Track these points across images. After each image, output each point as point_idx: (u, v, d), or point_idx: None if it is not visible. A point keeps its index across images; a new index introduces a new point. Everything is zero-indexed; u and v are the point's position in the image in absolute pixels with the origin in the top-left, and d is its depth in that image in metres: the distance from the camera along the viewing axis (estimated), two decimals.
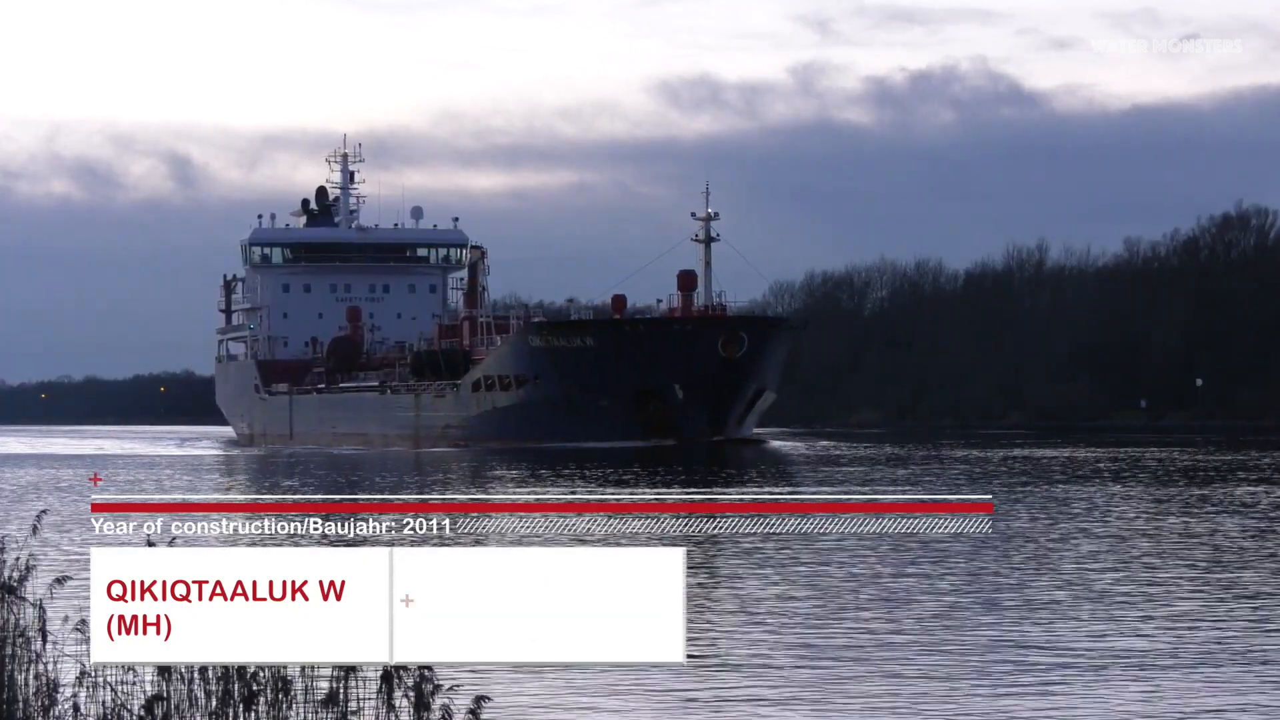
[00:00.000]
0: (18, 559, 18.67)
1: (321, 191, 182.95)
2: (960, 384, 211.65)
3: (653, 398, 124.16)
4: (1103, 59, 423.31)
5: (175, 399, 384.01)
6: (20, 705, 16.93)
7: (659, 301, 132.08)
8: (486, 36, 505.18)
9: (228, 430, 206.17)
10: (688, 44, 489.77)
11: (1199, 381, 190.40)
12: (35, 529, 19.95)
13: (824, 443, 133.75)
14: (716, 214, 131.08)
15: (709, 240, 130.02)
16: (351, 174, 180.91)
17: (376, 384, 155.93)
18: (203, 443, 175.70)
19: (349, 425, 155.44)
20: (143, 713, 15.29)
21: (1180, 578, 34.64)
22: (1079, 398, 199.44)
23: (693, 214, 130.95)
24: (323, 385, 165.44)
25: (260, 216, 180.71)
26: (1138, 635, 26.95)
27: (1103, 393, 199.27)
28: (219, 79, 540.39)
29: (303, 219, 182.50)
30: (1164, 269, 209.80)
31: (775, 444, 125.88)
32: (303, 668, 15.40)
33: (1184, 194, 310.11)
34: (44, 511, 23.02)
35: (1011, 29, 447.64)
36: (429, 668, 14.78)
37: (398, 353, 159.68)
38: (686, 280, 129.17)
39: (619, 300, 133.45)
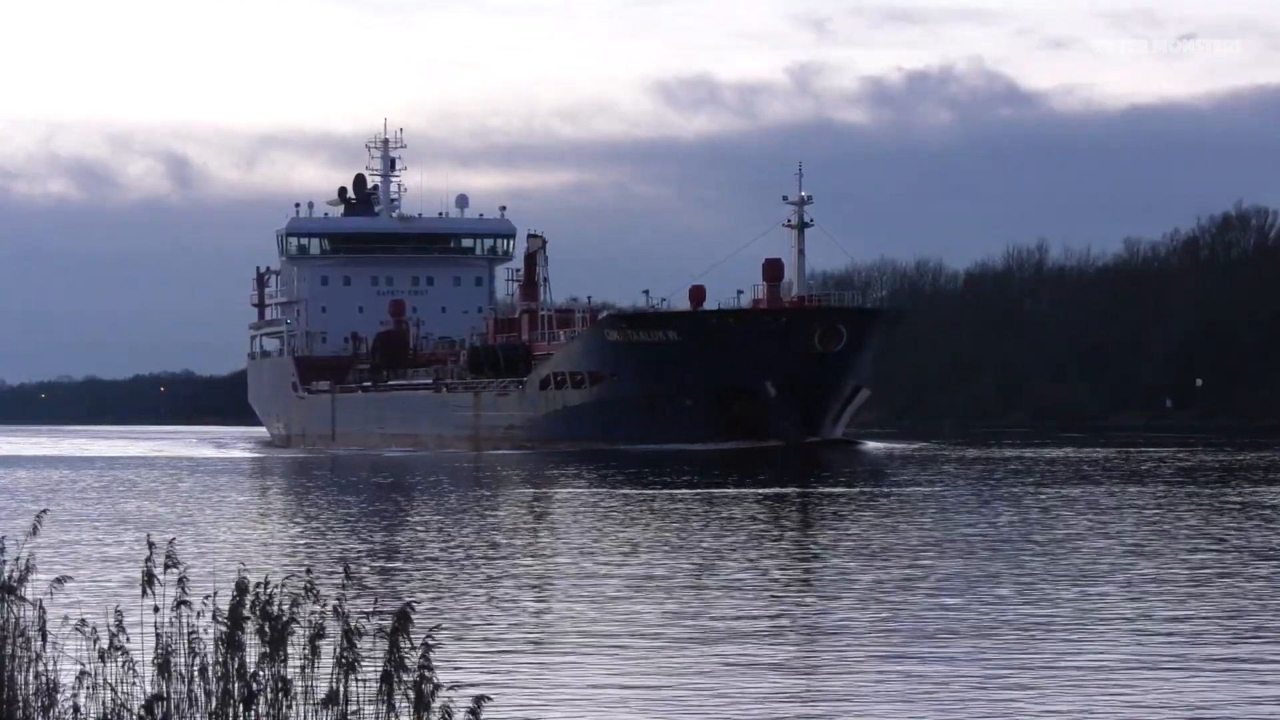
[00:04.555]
0: (18, 559, 18.64)
1: (360, 180, 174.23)
2: (960, 384, 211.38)
3: (740, 396, 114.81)
4: (1101, 59, 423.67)
5: (174, 399, 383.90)
6: (20, 705, 16.90)
7: (739, 293, 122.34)
8: (484, 36, 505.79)
9: (249, 430, 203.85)
10: (685, 44, 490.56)
11: (1199, 381, 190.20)
12: (35, 529, 19.91)
13: (920, 443, 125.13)
14: (810, 197, 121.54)
15: (802, 226, 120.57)
16: (392, 161, 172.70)
17: (430, 381, 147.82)
18: (205, 444, 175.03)
19: (399, 425, 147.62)
20: (143, 713, 15.24)
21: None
22: (1079, 398, 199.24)
23: (784, 198, 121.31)
24: (369, 383, 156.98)
25: (297, 205, 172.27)
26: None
27: (1100, 393, 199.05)
28: (217, 79, 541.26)
29: (340, 208, 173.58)
30: (1164, 269, 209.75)
31: (871, 445, 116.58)
32: (302, 668, 15.36)
33: (1184, 194, 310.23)
34: (44, 511, 22.96)
35: (1009, 29, 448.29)
36: (429, 667, 14.73)
37: (448, 348, 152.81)
38: (772, 270, 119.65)
39: (697, 292, 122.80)
